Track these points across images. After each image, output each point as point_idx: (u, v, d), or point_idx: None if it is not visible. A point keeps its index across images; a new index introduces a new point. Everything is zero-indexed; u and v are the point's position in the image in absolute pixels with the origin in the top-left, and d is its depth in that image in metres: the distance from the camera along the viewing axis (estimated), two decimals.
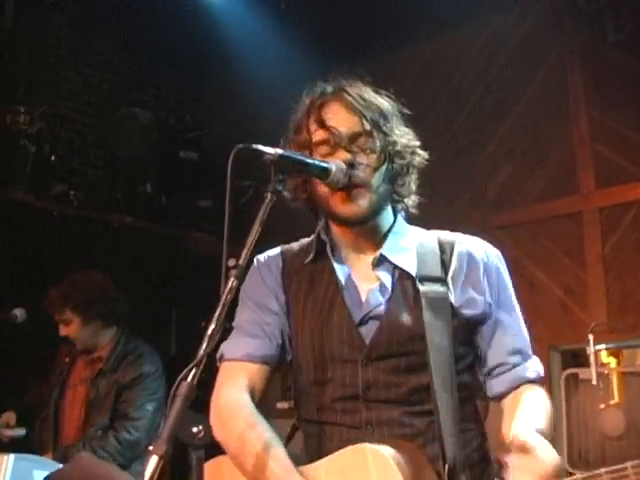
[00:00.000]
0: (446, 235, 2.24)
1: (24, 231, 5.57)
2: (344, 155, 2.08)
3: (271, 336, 2.20)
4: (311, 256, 2.24)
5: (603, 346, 4.27)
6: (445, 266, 2.14)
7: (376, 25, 5.95)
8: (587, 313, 4.96)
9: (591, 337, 4.22)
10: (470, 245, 2.21)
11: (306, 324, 2.17)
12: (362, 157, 2.09)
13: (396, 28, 5.95)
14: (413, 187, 2.23)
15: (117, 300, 4.63)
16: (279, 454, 1.95)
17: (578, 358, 4.77)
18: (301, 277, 2.24)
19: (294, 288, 2.24)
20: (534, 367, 2.15)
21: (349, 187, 2.07)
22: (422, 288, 2.08)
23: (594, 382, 4.16)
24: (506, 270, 2.23)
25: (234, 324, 2.24)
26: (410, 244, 2.19)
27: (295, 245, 2.34)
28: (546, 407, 2.06)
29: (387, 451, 1.88)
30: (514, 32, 5.71)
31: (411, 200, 2.25)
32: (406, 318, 2.07)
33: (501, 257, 2.24)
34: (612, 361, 4.41)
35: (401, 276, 2.13)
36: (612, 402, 4.27)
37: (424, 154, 2.24)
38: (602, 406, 4.31)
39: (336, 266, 2.19)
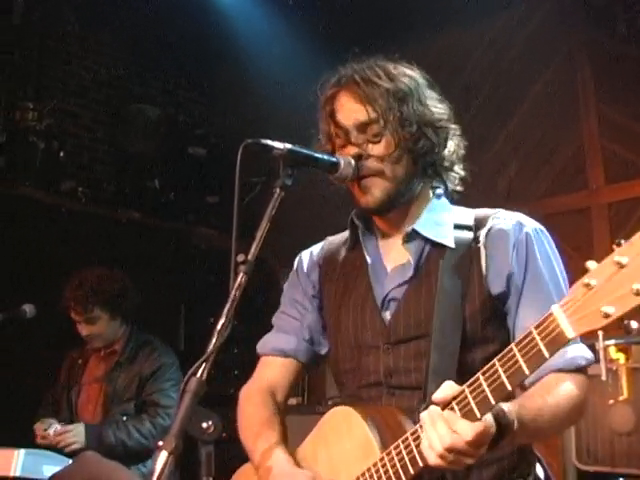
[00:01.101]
0: (484, 211, 2.16)
1: (33, 227, 5.58)
2: (352, 149, 2.08)
3: (298, 331, 2.28)
4: (349, 244, 2.25)
5: (612, 342, 4.24)
6: (475, 240, 2.06)
7: (385, 20, 5.93)
8: None
9: (600, 333, 4.20)
10: (504, 219, 2.09)
11: (339, 314, 2.19)
12: (371, 147, 2.08)
13: (405, 22, 5.94)
14: (449, 163, 2.16)
15: (136, 295, 4.69)
16: (268, 442, 2.08)
17: None
18: (337, 266, 2.26)
19: (330, 278, 2.26)
20: (566, 353, 1.94)
21: (361, 178, 2.07)
22: (446, 264, 2.02)
23: (603, 378, 4.14)
24: (545, 245, 2.07)
25: (272, 320, 2.37)
26: (446, 219, 2.13)
27: (339, 236, 2.35)
28: (555, 397, 1.89)
29: (357, 408, 1.95)
30: (523, 27, 5.69)
31: (450, 177, 2.19)
32: (424, 299, 2.02)
33: (539, 231, 2.09)
34: (621, 357, 4.39)
35: (431, 251, 2.08)
36: (621, 398, 4.25)
37: (454, 127, 2.17)
38: (611, 402, 4.28)
39: (368, 250, 2.19)
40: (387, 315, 2.08)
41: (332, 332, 2.23)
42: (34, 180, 5.83)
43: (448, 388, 1.69)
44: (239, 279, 1.77)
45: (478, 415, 1.61)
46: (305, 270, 2.34)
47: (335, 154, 2.10)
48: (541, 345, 1.51)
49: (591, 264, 1.42)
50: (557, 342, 1.49)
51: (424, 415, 1.69)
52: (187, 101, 7.30)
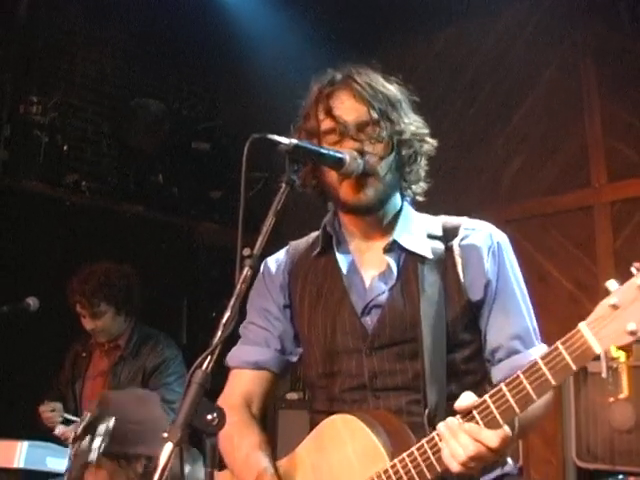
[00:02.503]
0: (452, 220, 2.24)
1: (36, 220, 5.59)
2: (352, 144, 2.10)
3: (269, 342, 2.29)
4: (317, 250, 2.27)
5: None
6: (450, 250, 2.13)
7: (389, 15, 5.93)
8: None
9: None
10: (475, 228, 2.19)
11: (311, 319, 2.22)
12: (369, 146, 2.11)
13: (409, 18, 5.94)
14: (422, 174, 2.24)
15: (141, 290, 4.73)
16: (245, 447, 2.12)
17: None
18: (307, 272, 2.28)
19: (300, 284, 2.28)
20: (536, 354, 1.95)
21: (359, 176, 2.09)
22: (425, 272, 2.09)
23: (604, 375, 4.14)
24: (511, 254, 2.20)
25: (239, 330, 2.35)
26: (418, 229, 2.19)
27: (303, 240, 2.37)
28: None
29: (356, 415, 1.99)
30: (527, 22, 5.69)
31: (420, 187, 2.26)
32: (408, 305, 2.08)
33: (506, 241, 2.21)
34: (621, 355, 4.38)
35: (408, 259, 2.14)
36: (621, 396, 4.26)
37: (432, 142, 2.23)
38: (611, 400, 4.29)
39: (340, 258, 2.21)
40: (368, 320, 2.12)
41: (306, 338, 2.25)
42: (38, 173, 5.84)
43: (469, 398, 1.78)
44: (244, 273, 1.79)
45: (501, 422, 1.72)
46: (273, 276, 2.34)
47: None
48: (569, 359, 1.64)
49: (611, 284, 1.61)
50: (585, 357, 1.62)
51: (442, 427, 1.78)
52: (191, 95, 7.30)
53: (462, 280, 2.10)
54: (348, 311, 2.14)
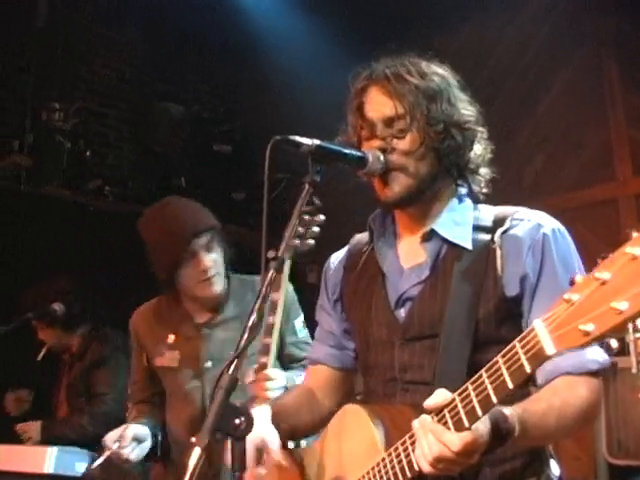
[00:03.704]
0: (504, 210, 2.13)
1: (60, 226, 5.63)
2: (377, 142, 2.08)
3: (323, 339, 2.39)
4: (369, 245, 2.27)
5: None
6: (492, 241, 2.03)
7: (408, 11, 5.91)
8: None
9: (630, 325, 4.16)
10: (523, 219, 2.06)
11: (354, 311, 2.24)
12: (395, 141, 2.07)
13: (428, 14, 5.92)
14: (477, 164, 2.16)
15: (89, 301, 4.85)
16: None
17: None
18: (357, 267, 2.28)
19: (351, 278, 2.29)
20: (577, 356, 1.91)
21: (385, 172, 2.06)
22: (462, 265, 2.02)
23: (634, 370, 4.10)
24: (563, 246, 2.02)
25: None
26: (466, 220, 2.12)
27: (366, 234, 2.34)
28: (562, 400, 1.87)
29: (365, 406, 2.03)
30: (548, 17, 5.65)
31: (475, 179, 2.18)
32: (438, 298, 2.03)
33: (559, 232, 2.04)
34: None
35: (448, 251, 2.08)
36: None
37: (480, 129, 2.16)
38: None
39: (383, 251, 2.20)
40: (401, 313, 2.09)
41: (355, 331, 2.27)
42: (61, 180, 5.89)
43: (440, 395, 1.71)
44: (269, 275, 1.78)
45: (467, 424, 1.63)
46: (331, 273, 2.38)
47: (361, 147, 2.10)
48: (523, 359, 1.51)
49: (578, 277, 1.39)
50: (538, 358, 1.48)
51: (415, 423, 1.72)
52: (211, 98, 7.32)
53: (500, 274, 1.99)
54: (382, 303, 2.14)
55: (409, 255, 2.16)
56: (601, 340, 1.36)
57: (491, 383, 1.59)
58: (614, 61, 5.29)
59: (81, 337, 4.77)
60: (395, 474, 1.84)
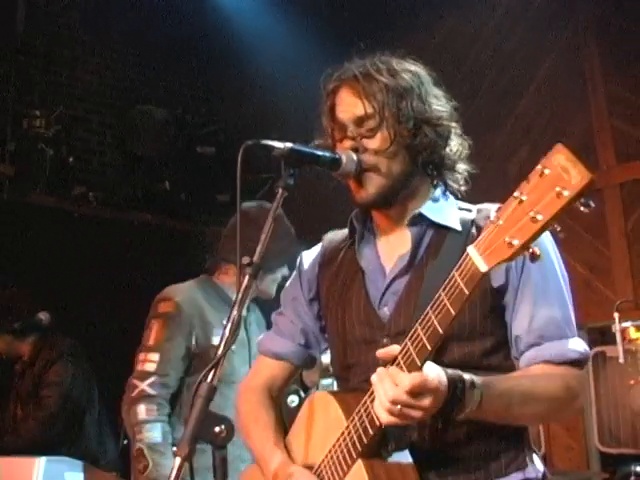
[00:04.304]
0: (486, 205, 2.11)
1: (45, 234, 5.61)
2: (349, 143, 2.07)
3: (293, 335, 2.33)
4: (347, 242, 2.24)
5: (629, 323, 4.22)
6: (477, 229, 2.02)
7: (387, 8, 5.92)
8: (612, 290, 4.91)
9: (616, 315, 4.18)
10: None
11: (333, 311, 2.21)
12: (367, 141, 2.06)
13: (408, 11, 5.92)
14: (453, 161, 2.13)
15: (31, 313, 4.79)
16: (260, 433, 2.23)
17: (605, 336, 4.72)
18: (334, 264, 2.26)
19: (327, 277, 2.26)
20: (558, 345, 1.94)
21: (360, 173, 2.05)
22: (448, 251, 2.00)
23: (621, 360, 4.12)
24: (546, 239, 2.00)
25: (271, 317, 2.42)
26: (450, 208, 2.12)
27: (340, 232, 2.33)
28: (532, 382, 1.90)
29: (329, 392, 2.10)
30: (528, 8, 5.65)
31: (453, 176, 2.15)
32: (425, 289, 1.98)
33: None
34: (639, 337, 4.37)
35: (434, 237, 2.07)
36: None
37: (453, 125, 2.13)
38: (631, 382, 4.26)
39: (363, 250, 2.17)
40: (385, 310, 2.07)
41: (331, 330, 2.25)
42: (45, 187, 5.88)
43: (393, 348, 1.77)
44: (245, 281, 1.77)
45: (419, 363, 1.70)
46: (305, 270, 2.34)
47: (335, 149, 2.09)
48: (461, 284, 1.62)
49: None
50: (474, 278, 1.60)
51: (373, 377, 1.77)
52: (193, 100, 7.31)
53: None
54: (363, 301, 2.11)
55: (390, 251, 2.14)
56: (526, 249, 1.51)
57: (436, 316, 1.67)
58: (595, 51, 5.29)
59: (32, 344, 4.76)
60: (359, 436, 1.87)
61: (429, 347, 1.68)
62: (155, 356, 3.48)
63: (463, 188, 2.19)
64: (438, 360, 1.88)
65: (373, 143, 2.05)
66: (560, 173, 1.47)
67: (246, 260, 1.77)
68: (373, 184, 2.06)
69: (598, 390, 4.48)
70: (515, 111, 5.66)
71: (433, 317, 1.68)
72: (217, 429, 1.66)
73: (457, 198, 2.18)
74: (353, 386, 2.13)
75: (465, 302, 1.63)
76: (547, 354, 1.93)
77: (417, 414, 1.70)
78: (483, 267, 1.57)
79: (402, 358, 1.73)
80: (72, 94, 6.55)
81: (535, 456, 2.07)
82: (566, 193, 1.45)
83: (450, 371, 1.75)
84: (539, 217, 1.48)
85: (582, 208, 1.47)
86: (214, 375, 1.67)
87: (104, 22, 6.57)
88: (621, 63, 5.15)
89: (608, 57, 5.23)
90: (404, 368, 1.71)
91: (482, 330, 1.99)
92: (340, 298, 2.18)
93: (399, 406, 1.69)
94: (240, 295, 1.77)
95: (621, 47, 5.16)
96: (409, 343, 1.72)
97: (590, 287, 5.04)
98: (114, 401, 5.12)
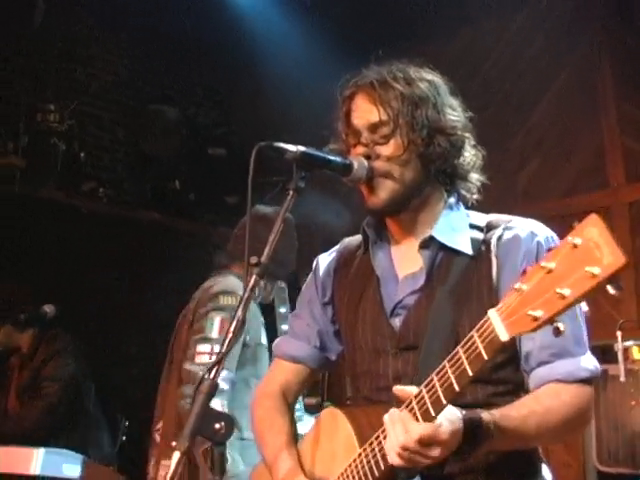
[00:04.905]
0: (497, 218, 2.12)
1: (54, 228, 5.63)
2: (362, 149, 2.08)
3: (309, 338, 2.33)
4: (362, 248, 2.25)
5: (631, 342, 4.21)
6: (487, 246, 2.03)
7: (403, 19, 5.93)
8: (616, 309, 4.90)
9: (619, 334, 4.17)
10: (517, 227, 2.05)
11: (347, 317, 2.21)
12: (382, 148, 2.07)
13: (424, 21, 5.93)
14: (466, 170, 2.15)
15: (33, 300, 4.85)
16: (273, 438, 2.20)
17: (607, 354, 4.70)
18: (350, 270, 2.27)
19: (342, 282, 2.27)
20: (568, 364, 1.93)
21: (370, 179, 2.06)
22: (458, 271, 2.01)
23: (622, 379, 4.10)
24: None
25: (288, 319, 2.39)
26: (462, 225, 2.11)
27: (356, 238, 2.33)
28: (545, 406, 1.88)
29: (342, 408, 2.08)
30: (543, 23, 5.66)
31: (466, 185, 2.16)
32: (434, 307, 2.01)
33: (551, 239, 2.02)
34: None
35: (444, 257, 2.07)
36: None
37: (467, 136, 2.14)
38: (633, 403, 4.25)
39: (378, 257, 2.18)
40: (396, 322, 2.08)
41: (346, 336, 2.25)
42: (55, 181, 5.89)
43: (410, 387, 1.77)
44: (252, 281, 1.78)
45: (433, 414, 1.68)
46: (321, 274, 2.34)
47: (349, 154, 2.10)
48: (481, 347, 1.59)
49: (528, 268, 1.51)
50: (493, 344, 1.57)
51: (386, 417, 1.76)
52: (206, 101, 7.33)
53: (495, 282, 1.98)
54: (378, 311, 2.12)
55: (403, 262, 2.15)
56: (550, 324, 1.46)
57: (453, 372, 1.65)
58: (608, 69, 5.30)
59: (32, 337, 4.78)
60: (370, 468, 1.87)
61: (444, 401, 1.67)
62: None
63: (475, 197, 2.19)
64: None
65: (386, 150, 2.07)
66: (592, 248, 1.41)
67: (254, 260, 1.78)
68: (385, 189, 2.06)
69: (598, 408, 4.46)
70: (527, 124, 5.67)
71: (450, 373, 1.66)
72: (217, 425, 1.67)
73: (467, 208, 2.19)
74: (364, 395, 2.14)
75: (484, 365, 1.60)
76: (557, 373, 1.92)
77: (426, 461, 1.71)
78: (504, 336, 1.53)
79: (417, 404, 1.72)
80: (86, 90, 6.58)
81: (544, 466, 2.08)
82: (597, 272, 1.38)
83: (468, 414, 1.74)
84: (566, 293, 1.42)
85: (612, 291, 1.41)
86: (216, 372, 1.68)
87: (120, 20, 6.60)
88: (634, 81, 5.16)
89: (621, 75, 5.23)
90: (418, 416, 1.71)
91: None
92: (354, 304, 2.19)
93: (408, 452, 1.70)
94: (247, 295, 1.78)
95: (634, 65, 5.17)
96: (424, 390, 1.71)
97: (594, 305, 4.98)
98: (112, 397, 5.18)
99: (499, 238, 2.03)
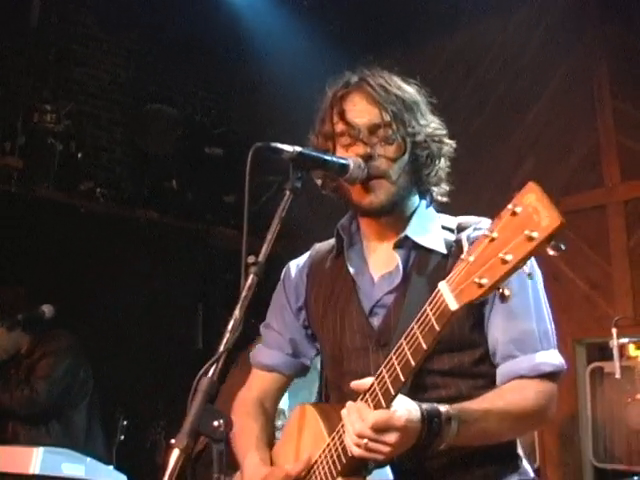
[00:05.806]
0: (466, 219, 2.18)
1: (52, 228, 5.64)
2: (361, 149, 2.09)
3: (282, 346, 2.38)
4: (334, 252, 2.28)
5: (627, 340, 4.23)
6: (458, 244, 2.06)
7: (399, 19, 5.94)
8: (612, 306, 4.92)
9: (614, 331, 4.19)
10: (487, 226, 2.11)
11: (323, 319, 2.24)
12: (380, 148, 2.10)
13: (421, 21, 5.94)
14: (441, 176, 2.20)
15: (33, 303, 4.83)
16: (242, 442, 2.26)
17: (604, 352, 4.73)
18: (323, 274, 2.29)
19: (315, 286, 2.30)
20: (532, 359, 1.97)
21: (368, 179, 2.08)
22: (433, 269, 2.06)
23: (617, 376, 4.12)
24: None
25: (260, 329, 2.46)
26: (434, 226, 2.17)
27: (326, 243, 2.37)
28: (506, 401, 1.92)
29: (313, 404, 2.16)
30: (539, 23, 5.67)
31: (439, 189, 2.23)
32: (413, 303, 2.01)
33: None
34: (639, 354, 4.37)
35: (418, 256, 2.11)
36: (638, 396, 4.24)
37: (450, 143, 2.21)
38: (628, 400, 4.27)
39: (352, 259, 2.21)
40: (375, 320, 2.12)
41: (320, 339, 2.30)
42: (53, 181, 5.90)
43: (366, 380, 1.82)
44: (249, 280, 1.80)
45: (384, 405, 1.74)
46: (292, 280, 2.37)
47: (335, 154, 2.13)
48: (433, 319, 1.64)
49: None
50: (444, 315, 1.61)
51: (344, 410, 1.83)
52: (204, 101, 7.34)
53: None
54: (356, 310, 2.15)
55: (378, 263, 2.19)
56: (495, 289, 1.51)
57: (409, 348, 1.70)
58: (604, 68, 5.31)
59: (31, 338, 4.79)
60: (333, 461, 1.93)
61: (403, 379, 1.72)
62: None
63: (444, 200, 2.25)
64: (429, 369, 1.98)
65: (388, 151, 2.10)
66: (531, 213, 1.45)
67: (251, 259, 1.80)
68: (384, 191, 2.10)
69: (594, 405, 4.49)
70: (522, 124, 5.68)
71: (406, 349, 1.71)
72: (216, 423, 1.68)
73: (438, 210, 2.25)
74: (348, 392, 2.14)
75: (437, 337, 1.64)
76: (521, 368, 1.97)
77: (385, 449, 1.74)
78: (453, 305, 1.58)
79: (370, 396, 1.78)
80: (83, 90, 6.59)
81: (525, 462, 2.11)
82: (535, 235, 1.43)
83: (426, 406, 1.78)
84: (508, 258, 1.46)
85: (551, 252, 1.45)
86: (215, 370, 1.70)
87: (117, 20, 6.61)
88: (629, 81, 5.17)
89: (617, 74, 5.24)
90: (370, 405, 1.77)
91: (471, 341, 2.05)
92: (333, 307, 2.22)
93: (365, 440, 1.74)
94: (244, 294, 1.79)
95: (630, 65, 5.18)
96: (385, 372, 1.76)
97: (590, 303, 5.05)
98: (111, 397, 5.18)
99: (469, 238, 2.07)
